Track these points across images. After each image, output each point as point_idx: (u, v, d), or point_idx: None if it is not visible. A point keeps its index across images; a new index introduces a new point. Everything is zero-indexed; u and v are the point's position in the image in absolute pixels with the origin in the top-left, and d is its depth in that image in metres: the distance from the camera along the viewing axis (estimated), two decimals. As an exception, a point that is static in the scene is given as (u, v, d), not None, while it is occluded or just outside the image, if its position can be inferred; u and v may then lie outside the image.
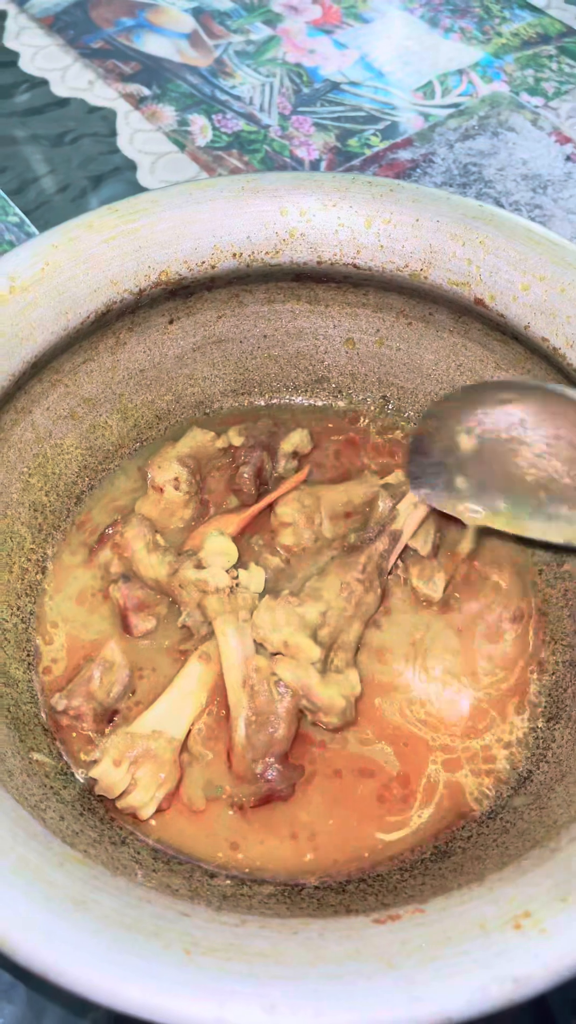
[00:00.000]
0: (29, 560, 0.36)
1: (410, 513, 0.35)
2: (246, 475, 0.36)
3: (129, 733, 0.30)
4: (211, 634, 0.32)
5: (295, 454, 0.38)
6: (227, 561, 0.34)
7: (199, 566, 0.33)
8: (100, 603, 0.35)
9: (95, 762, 0.30)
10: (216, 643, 0.32)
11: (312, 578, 0.34)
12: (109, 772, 0.30)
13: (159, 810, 0.30)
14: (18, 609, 0.35)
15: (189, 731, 0.31)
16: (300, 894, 0.29)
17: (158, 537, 0.35)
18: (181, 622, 0.34)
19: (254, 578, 0.34)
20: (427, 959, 0.20)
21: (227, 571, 0.33)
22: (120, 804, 0.30)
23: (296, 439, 0.38)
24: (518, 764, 0.32)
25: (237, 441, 0.38)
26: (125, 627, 0.34)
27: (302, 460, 0.38)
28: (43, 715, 0.33)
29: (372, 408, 0.41)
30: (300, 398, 0.41)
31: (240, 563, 0.34)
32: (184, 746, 0.31)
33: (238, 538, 0.36)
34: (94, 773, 0.30)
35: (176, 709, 0.31)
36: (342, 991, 0.20)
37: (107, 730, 0.32)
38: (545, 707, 0.33)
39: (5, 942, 0.20)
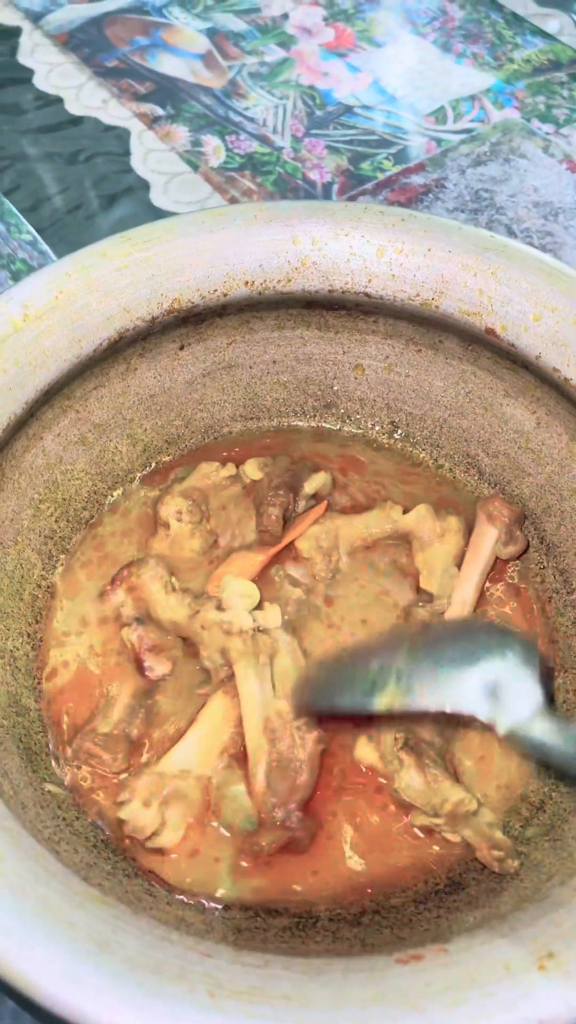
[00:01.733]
0: (39, 587, 0.36)
1: None
2: (274, 516, 0.35)
3: (158, 773, 0.30)
4: (230, 676, 0.32)
5: (316, 495, 0.38)
6: (250, 603, 0.33)
7: (220, 608, 0.33)
8: (111, 636, 0.35)
9: (124, 803, 0.30)
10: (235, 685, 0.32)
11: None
12: (139, 813, 0.29)
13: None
14: (29, 636, 0.35)
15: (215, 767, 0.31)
16: (315, 927, 0.28)
17: (174, 579, 0.34)
18: (201, 664, 0.33)
19: (271, 617, 0.33)
20: (453, 1002, 0.20)
21: (249, 613, 0.33)
22: (149, 845, 0.30)
23: (319, 481, 0.37)
24: (530, 794, 0.32)
25: (256, 475, 0.37)
26: (140, 670, 0.34)
27: (319, 498, 0.38)
28: (51, 745, 0.33)
29: (381, 434, 0.41)
30: (309, 423, 0.41)
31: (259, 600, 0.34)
32: (210, 783, 0.31)
33: (259, 575, 0.35)
34: (123, 814, 0.29)
35: (202, 746, 0.31)
36: (365, 1036, 0.20)
37: (131, 765, 0.31)
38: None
39: (30, 985, 0.20)
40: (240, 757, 0.31)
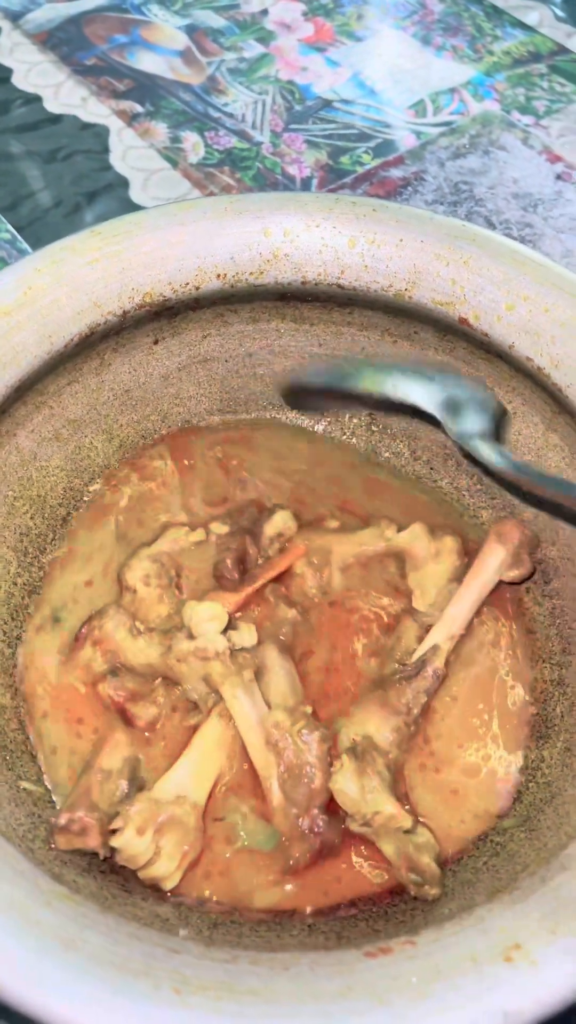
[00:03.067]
0: (15, 584, 0.35)
1: (446, 647, 0.33)
2: (228, 561, 0.34)
3: (152, 799, 0.29)
4: (219, 702, 0.31)
5: (280, 535, 0.36)
6: (219, 624, 0.32)
7: (191, 636, 0.32)
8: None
9: (117, 831, 0.28)
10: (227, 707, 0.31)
11: (348, 720, 0.32)
12: (133, 842, 0.28)
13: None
14: (4, 634, 0.34)
15: (210, 795, 0.30)
16: (291, 919, 0.28)
17: (138, 623, 0.33)
18: (187, 697, 0.32)
19: (245, 636, 0.32)
20: (419, 995, 0.20)
21: (222, 634, 0.32)
22: (143, 875, 0.28)
23: (279, 522, 0.36)
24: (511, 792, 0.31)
25: (221, 530, 0.36)
26: (127, 722, 0.32)
27: (290, 542, 0.36)
28: (30, 744, 0.32)
29: (359, 427, 0.40)
30: (287, 416, 0.41)
31: (231, 624, 0.32)
32: (206, 811, 0.30)
33: (243, 613, 0.34)
34: (116, 843, 0.28)
35: (197, 772, 0.30)
36: (331, 1030, 0.20)
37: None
38: (534, 726, 0.33)
39: (-10, 983, 0.20)
40: (234, 786, 0.30)
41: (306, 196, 0.36)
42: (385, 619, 0.35)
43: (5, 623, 0.35)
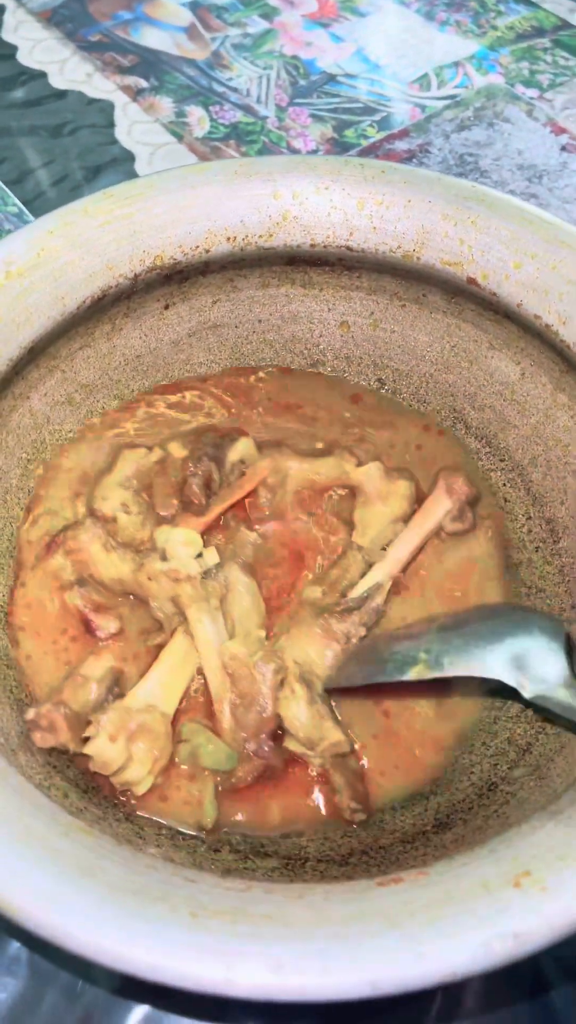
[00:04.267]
0: (28, 543, 0.36)
1: (387, 585, 0.34)
2: (195, 486, 0.35)
3: (124, 707, 0.30)
4: (183, 622, 0.32)
5: (242, 462, 0.37)
6: (193, 550, 0.33)
7: (164, 558, 0.33)
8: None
9: (90, 738, 0.30)
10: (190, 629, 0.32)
11: (289, 642, 0.33)
12: (105, 748, 0.29)
13: (154, 786, 0.30)
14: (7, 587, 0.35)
15: (178, 706, 0.31)
16: (303, 866, 0.29)
17: (110, 540, 0.34)
18: (152, 615, 0.33)
19: (210, 559, 0.33)
20: (430, 918, 0.21)
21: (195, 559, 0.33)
22: (115, 780, 0.30)
23: (242, 448, 0.37)
24: (517, 737, 0.32)
25: (180, 453, 0.37)
26: (88, 631, 0.33)
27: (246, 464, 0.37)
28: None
29: (368, 391, 0.41)
30: (297, 382, 0.41)
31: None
32: (175, 720, 0.31)
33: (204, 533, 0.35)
34: (89, 750, 0.29)
35: (166, 683, 0.31)
36: (348, 950, 0.20)
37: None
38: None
39: (13, 908, 0.21)
40: (191, 708, 0.32)
41: (315, 159, 0.36)
42: (327, 549, 0.36)
43: (9, 581, 0.35)
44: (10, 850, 0.21)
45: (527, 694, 0.28)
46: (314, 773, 0.31)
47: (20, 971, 0.30)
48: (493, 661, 0.29)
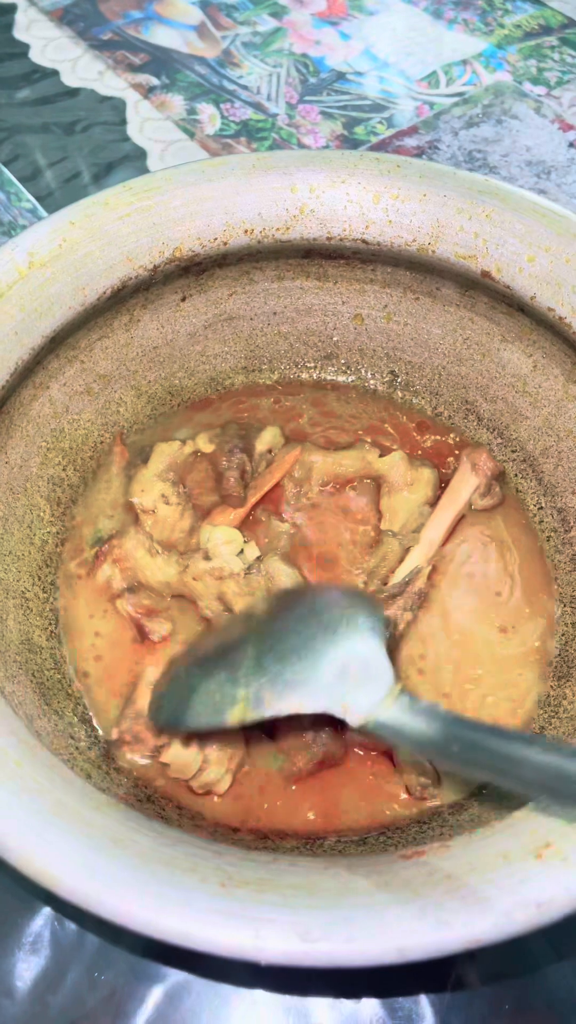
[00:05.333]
0: (49, 532, 0.36)
1: (427, 569, 0.35)
2: (232, 479, 0.36)
3: None
4: None
5: (270, 451, 0.38)
6: (234, 547, 0.34)
7: (207, 557, 0.33)
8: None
9: (164, 747, 0.30)
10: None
11: None
12: (181, 754, 0.30)
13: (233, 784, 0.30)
14: (39, 579, 0.35)
15: None
16: (322, 846, 0.29)
17: (154, 544, 0.35)
18: (201, 615, 0.34)
19: (250, 555, 0.34)
20: (453, 887, 0.21)
21: (237, 555, 0.34)
22: (195, 784, 0.30)
23: (269, 437, 0.38)
24: (531, 722, 0.32)
25: (207, 447, 0.38)
26: (142, 636, 0.34)
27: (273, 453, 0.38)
28: (67, 681, 0.33)
29: (381, 384, 0.41)
30: (310, 375, 0.42)
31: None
32: None
33: (241, 526, 0.36)
34: (166, 758, 0.30)
35: None
36: (373, 918, 0.21)
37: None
38: (556, 667, 0.34)
39: (48, 876, 0.21)
40: None
41: (332, 153, 0.37)
42: (359, 535, 0.36)
43: (40, 569, 0.36)
44: (44, 820, 0.22)
45: (354, 724, 0.25)
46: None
47: (43, 949, 0.31)
48: (316, 688, 0.25)
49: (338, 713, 0.25)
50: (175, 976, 0.30)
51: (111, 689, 0.33)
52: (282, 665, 0.26)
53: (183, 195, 0.35)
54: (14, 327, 0.33)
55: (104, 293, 0.35)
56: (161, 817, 0.29)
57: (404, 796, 0.30)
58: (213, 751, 0.29)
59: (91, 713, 0.32)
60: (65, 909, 0.31)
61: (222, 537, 0.33)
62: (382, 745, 0.31)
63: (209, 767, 0.29)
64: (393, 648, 0.33)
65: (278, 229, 0.36)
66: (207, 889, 0.21)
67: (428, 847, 0.23)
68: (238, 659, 0.28)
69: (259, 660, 0.27)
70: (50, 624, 0.35)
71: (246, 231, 0.36)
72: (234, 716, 0.26)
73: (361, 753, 0.31)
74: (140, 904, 0.21)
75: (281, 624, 0.29)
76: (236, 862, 0.23)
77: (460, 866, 0.22)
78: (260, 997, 0.29)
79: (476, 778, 0.29)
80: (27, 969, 0.30)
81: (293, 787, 0.30)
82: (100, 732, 0.32)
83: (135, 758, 0.29)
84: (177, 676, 0.30)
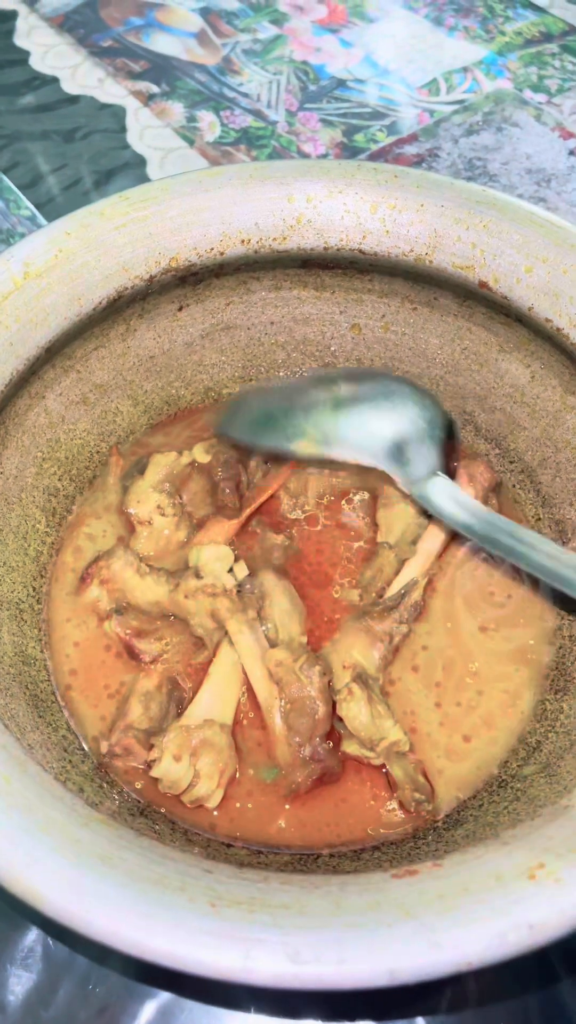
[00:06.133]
0: (43, 543, 0.36)
1: (423, 581, 0.34)
2: (228, 491, 0.36)
3: (183, 727, 0.30)
4: (224, 637, 0.32)
5: (266, 462, 0.38)
6: (225, 564, 0.34)
7: (199, 575, 0.33)
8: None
9: (155, 761, 0.30)
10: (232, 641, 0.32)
11: (333, 647, 0.33)
12: (171, 769, 0.29)
13: (225, 798, 0.30)
14: (34, 590, 0.35)
15: (235, 715, 0.31)
16: (316, 862, 0.29)
17: (142, 564, 0.34)
18: (193, 633, 0.33)
19: (240, 571, 0.34)
20: (446, 908, 0.21)
21: (228, 572, 0.33)
22: (186, 798, 0.30)
23: None
24: (527, 735, 0.32)
25: (204, 458, 0.37)
26: (133, 657, 0.34)
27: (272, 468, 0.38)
28: (58, 695, 0.33)
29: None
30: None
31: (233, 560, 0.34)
32: (234, 730, 0.31)
33: (234, 540, 0.36)
34: (156, 773, 0.29)
35: (220, 696, 0.31)
36: (364, 939, 0.20)
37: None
38: (553, 679, 0.33)
39: (34, 894, 0.21)
40: (237, 721, 0.32)
41: (329, 163, 0.37)
42: (354, 549, 0.36)
43: (34, 580, 0.35)
44: (31, 838, 0.22)
45: (407, 490, 0.30)
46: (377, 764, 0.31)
47: (35, 964, 0.30)
48: (378, 449, 0.31)
49: (392, 473, 0.31)
50: (168, 991, 0.30)
51: (91, 702, 0.33)
52: (352, 423, 0.32)
53: (179, 205, 0.35)
54: (9, 338, 0.33)
55: (100, 303, 0.35)
56: (153, 832, 0.29)
57: (399, 811, 0.30)
58: (204, 764, 0.29)
59: (72, 724, 0.32)
60: (53, 929, 0.30)
61: (212, 554, 0.33)
62: (376, 761, 0.31)
63: (200, 781, 0.29)
64: (390, 657, 0.33)
65: (275, 239, 0.36)
66: (197, 909, 0.21)
67: (421, 865, 0.23)
68: (314, 405, 0.33)
69: (336, 410, 0.32)
70: (43, 635, 0.35)
71: (243, 241, 0.36)
72: (300, 446, 0.32)
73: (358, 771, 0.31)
74: (128, 924, 0.21)
75: (359, 391, 0.33)
76: (226, 880, 0.22)
77: (453, 886, 0.22)
78: (254, 1018, 0.29)
79: (495, 553, 0.32)
80: (19, 983, 0.30)
81: (287, 806, 0.30)
82: (86, 747, 0.32)
83: (129, 768, 0.29)
84: (252, 399, 0.35)
